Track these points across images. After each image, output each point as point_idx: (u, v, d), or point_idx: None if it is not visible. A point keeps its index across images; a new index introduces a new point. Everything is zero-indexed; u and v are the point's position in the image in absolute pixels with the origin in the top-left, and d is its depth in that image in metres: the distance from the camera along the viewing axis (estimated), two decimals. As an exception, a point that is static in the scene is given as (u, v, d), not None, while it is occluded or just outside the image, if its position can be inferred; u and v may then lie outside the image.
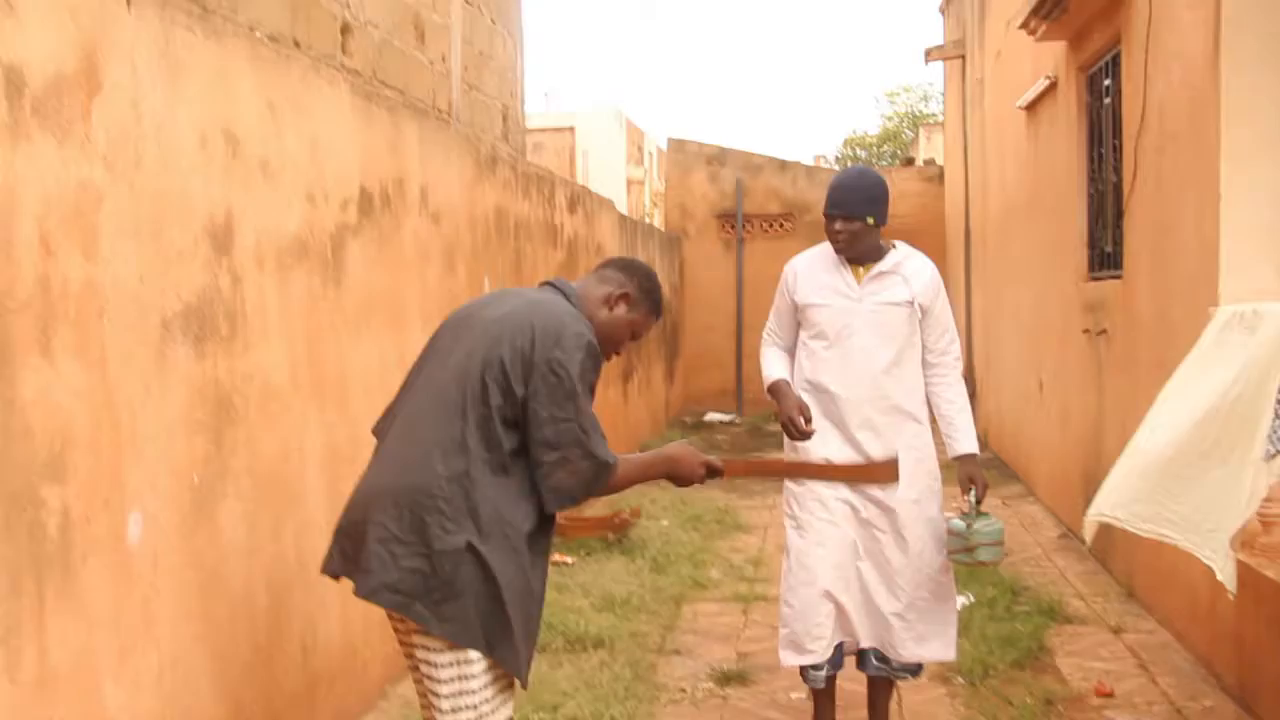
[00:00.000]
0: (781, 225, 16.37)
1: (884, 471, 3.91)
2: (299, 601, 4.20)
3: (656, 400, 13.64)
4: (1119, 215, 6.74)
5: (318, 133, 4.44)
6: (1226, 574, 4.12)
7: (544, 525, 2.91)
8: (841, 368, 4.10)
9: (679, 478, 3.13)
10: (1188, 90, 5.42)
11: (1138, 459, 4.71)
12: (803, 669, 4.24)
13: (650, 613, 6.13)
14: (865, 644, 4.19)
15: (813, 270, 4.22)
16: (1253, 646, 4.60)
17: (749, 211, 16.31)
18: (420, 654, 2.86)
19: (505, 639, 2.81)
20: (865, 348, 4.08)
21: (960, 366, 4.26)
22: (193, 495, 3.53)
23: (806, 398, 4.15)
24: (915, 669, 4.26)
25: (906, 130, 38.17)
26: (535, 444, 2.81)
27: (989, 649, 5.29)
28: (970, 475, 4.16)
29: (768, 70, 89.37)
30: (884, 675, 4.25)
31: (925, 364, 4.20)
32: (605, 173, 20.67)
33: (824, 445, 4.12)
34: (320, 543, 4.34)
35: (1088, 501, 7.43)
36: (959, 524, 4.08)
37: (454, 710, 2.82)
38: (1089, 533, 4.74)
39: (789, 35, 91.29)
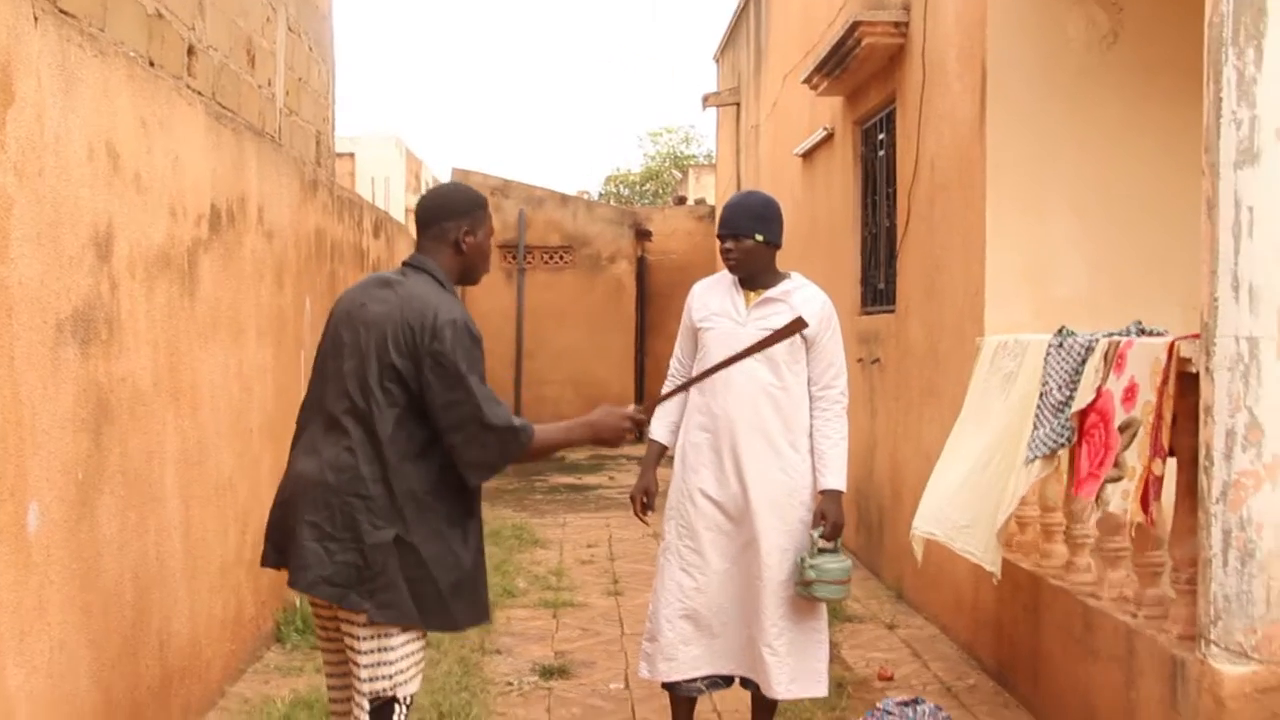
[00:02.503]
0: (562, 257, 16.87)
1: (792, 327, 3.76)
2: (157, 598, 4.36)
3: (441, 424, 13.85)
4: (892, 256, 7.51)
5: (179, 150, 4.64)
6: (994, 563, 4.81)
7: (464, 493, 3.23)
8: (725, 389, 4.14)
9: (605, 441, 3.35)
10: (957, 148, 6.20)
11: (935, 481, 5.41)
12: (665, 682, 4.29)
13: (466, 618, 6.43)
14: (739, 673, 4.23)
15: (708, 294, 4.32)
16: (1010, 630, 5.31)
17: (530, 243, 16.74)
18: (345, 628, 3.17)
19: (439, 611, 3.16)
20: (746, 369, 4.06)
21: (844, 403, 4.27)
22: (77, 490, 3.69)
23: (696, 419, 4.25)
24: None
25: (672, 171, 39.43)
26: (442, 432, 3.13)
27: (783, 643, 5.85)
28: (823, 512, 4.15)
29: (539, 106, 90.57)
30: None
31: (810, 397, 4.23)
32: (385, 200, 20.78)
33: (698, 479, 4.23)
34: (175, 543, 4.55)
35: (860, 518, 8.21)
36: (801, 558, 4.11)
37: (371, 680, 3.14)
38: (917, 549, 5.38)
39: (559, 73, 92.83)
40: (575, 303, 16.67)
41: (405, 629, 3.18)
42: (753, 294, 4.26)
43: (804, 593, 4.10)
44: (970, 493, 5.03)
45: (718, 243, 4.27)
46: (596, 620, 6.64)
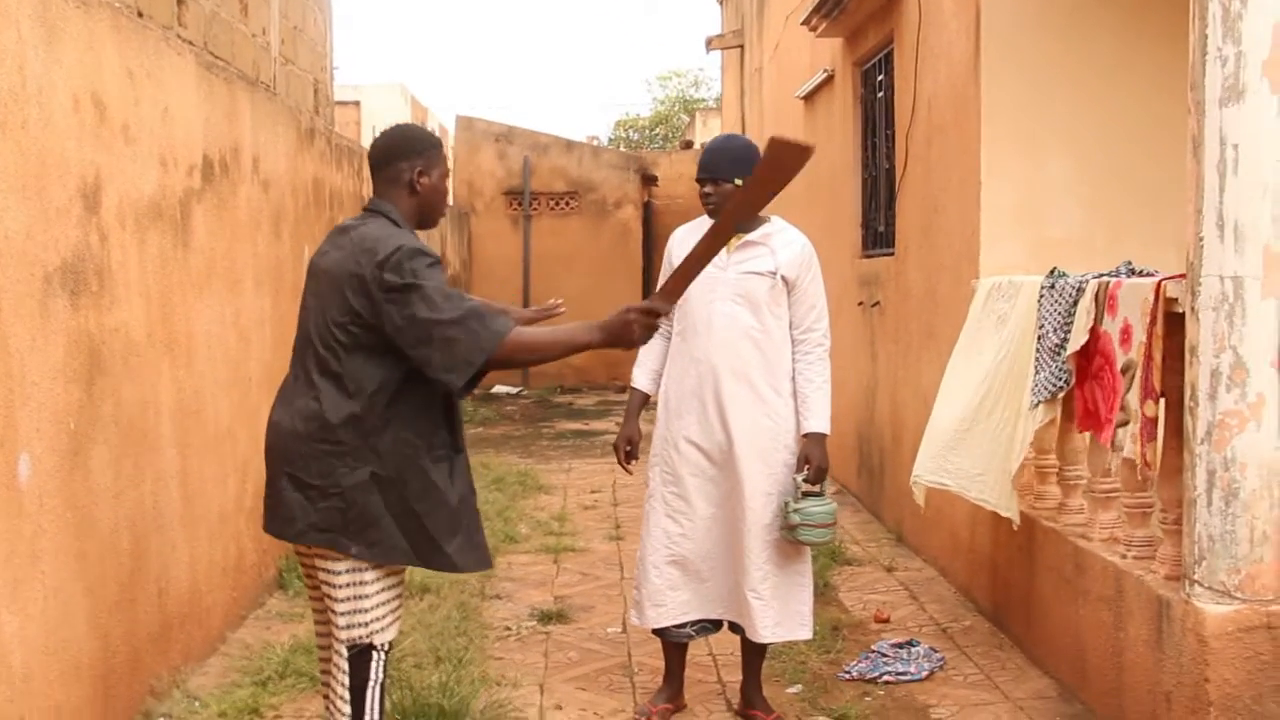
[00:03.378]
0: (567, 203, 16.85)
1: (787, 156, 3.35)
2: (155, 546, 4.41)
3: (448, 372, 13.88)
4: (891, 198, 7.48)
5: (169, 101, 4.63)
6: (1011, 510, 4.83)
7: (444, 428, 3.23)
8: (706, 333, 4.15)
9: (618, 338, 3.21)
10: (953, 88, 6.15)
11: (933, 425, 5.43)
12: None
13: (468, 564, 6.50)
14: (727, 617, 4.26)
15: (689, 238, 4.19)
16: (1005, 572, 5.33)
17: (536, 189, 16.72)
18: (323, 575, 3.20)
19: (433, 549, 3.18)
20: (728, 313, 4.14)
21: (826, 345, 4.28)
22: (69, 439, 3.73)
23: (678, 365, 4.25)
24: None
25: (681, 115, 39.15)
26: (410, 351, 3.07)
27: (781, 585, 5.89)
28: (807, 455, 4.16)
29: (547, 51, 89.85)
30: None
31: (792, 340, 4.23)
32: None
33: (682, 426, 4.23)
34: (172, 491, 4.59)
35: (861, 461, 8.24)
36: (785, 502, 4.11)
37: (348, 627, 3.19)
38: (918, 495, 5.44)
39: (567, 18, 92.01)
40: (582, 249, 16.66)
41: (383, 574, 3.19)
42: (734, 239, 4.22)
43: (789, 536, 4.11)
44: (979, 440, 5.03)
45: (697, 187, 4.22)
46: (597, 565, 6.70)
